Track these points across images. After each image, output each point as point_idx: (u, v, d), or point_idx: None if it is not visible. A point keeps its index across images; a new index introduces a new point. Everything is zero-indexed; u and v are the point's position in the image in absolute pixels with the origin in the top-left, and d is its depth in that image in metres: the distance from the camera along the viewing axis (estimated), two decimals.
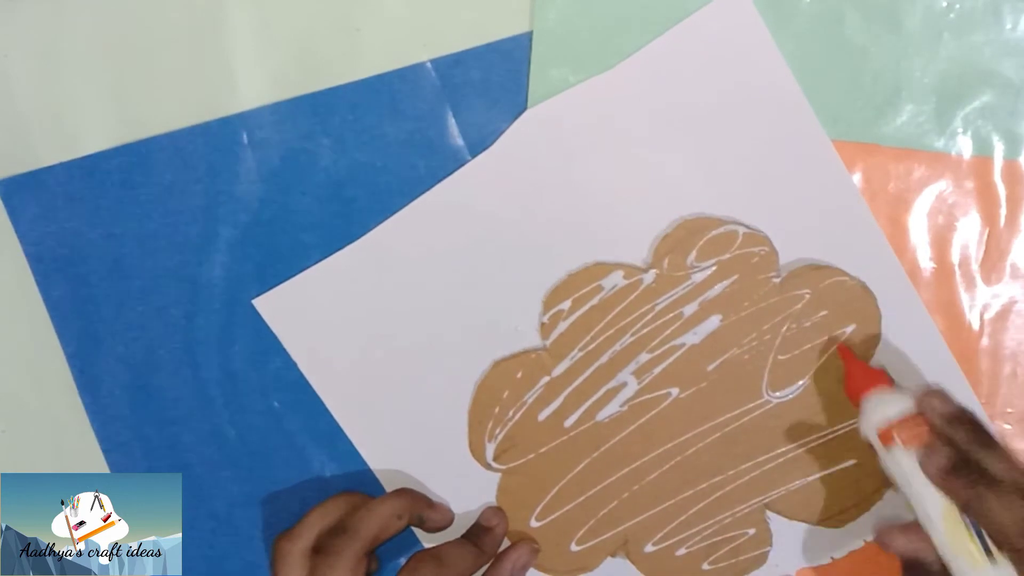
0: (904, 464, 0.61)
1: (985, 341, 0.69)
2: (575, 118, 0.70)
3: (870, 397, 0.64)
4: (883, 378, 0.66)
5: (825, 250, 0.70)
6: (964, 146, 0.68)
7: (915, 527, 0.61)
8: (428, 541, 0.72)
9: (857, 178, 0.69)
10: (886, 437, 0.62)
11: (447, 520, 0.72)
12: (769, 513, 0.71)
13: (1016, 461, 0.60)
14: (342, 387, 0.73)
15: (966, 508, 0.59)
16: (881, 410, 0.63)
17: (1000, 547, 0.58)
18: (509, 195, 0.71)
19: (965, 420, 0.62)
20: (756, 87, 0.69)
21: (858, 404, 0.65)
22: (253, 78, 0.72)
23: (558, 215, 0.71)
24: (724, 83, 0.69)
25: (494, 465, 0.73)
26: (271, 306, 0.73)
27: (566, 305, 0.71)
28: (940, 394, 0.63)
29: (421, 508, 0.70)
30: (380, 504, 0.68)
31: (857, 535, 0.71)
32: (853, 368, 0.67)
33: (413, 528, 0.71)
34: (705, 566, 0.72)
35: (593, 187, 0.71)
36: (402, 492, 0.70)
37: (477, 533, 0.71)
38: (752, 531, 0.71)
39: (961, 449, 0.61)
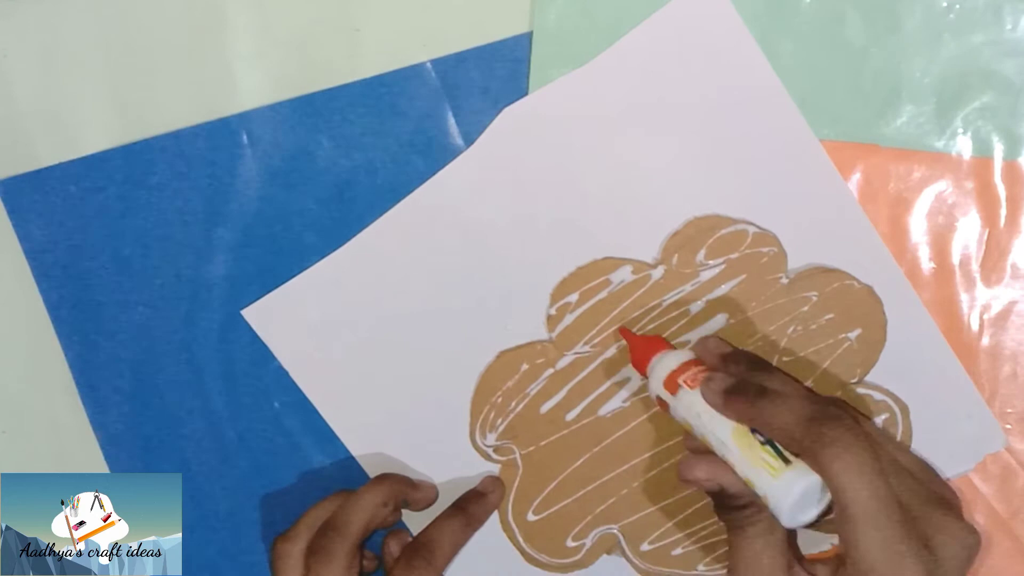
0: (691, 403, 0.63)
1: (985, 341, 0.69)
2: (558, 112, 0.70)
3: (654, 359, 0.66)
4: (663, 343, 0.68)
5: (820, 245, 0.70)
6: (964, 147, 0.68)
7: (714, 458, 0.62)
8: (415, 518, 0.73)
9: (857, 178, 0.69)
10: (671, 386, 0.64)
11: (432, 497, 0.72)
12: None
13: (791, 376, 0.64)
14: (337, 392, 0.74)
15: (751, 422, 0.61)
16: (664, 366, 0.65)
17: (790, 448, 0.59)
18: (497, 192, 0.71)
19: (741, 356, 0.66)
20: (737, 80, 0.69)
21: (645, 373, 0.67)
22: (253, 78, 0.72)
23: (558, 210, 0.71)
24: (704, 74, 0.69)
25: (494, 456, 0.73)
26: (260, 316, 0.74)
27: (573, 298, 0.71)
28: (714, 338, 0.67)
29: (405, 491, 0.70)
30: (363, 495, 0.69)
31: None
32: (634, 342, 0.68)
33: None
34: (700, 567, 0.72)
35: (595, 182, 0.70)
36: (383, 478, 0.70)
37: (470, 499, 0.71)
38: None
39: (740, 378, 0.63)
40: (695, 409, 0.62)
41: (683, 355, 0.65)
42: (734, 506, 0.61)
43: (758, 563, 0.61)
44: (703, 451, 0.63)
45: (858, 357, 0.70)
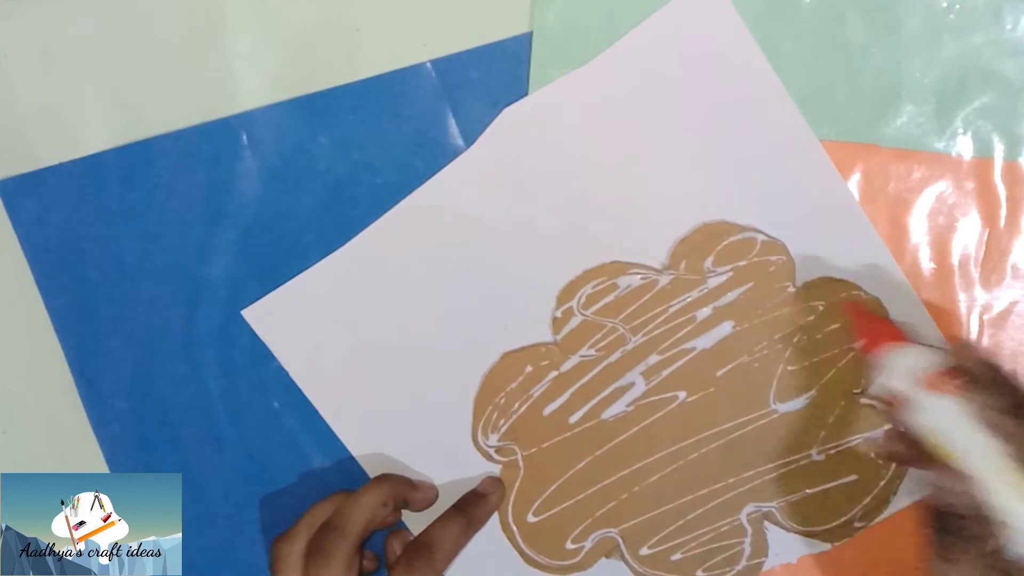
0: (947, 410, 0.59)
1: (985, 342, 0.69)
2: (558, 112, 0.70)
3: (904, 347, 0.63)
4: (902, 333, 0.65)
5: (823, 249, 0.69)
6: (964, 147, 0.68)
7: (953, 471, 0.59)
8: (415, 517, 0.73)
9: (857, 179, 0.69)
10: (933, 384, 0.60)
11: (432, 497, 0.72)
12: (767, 524, 0.71)
13: None
14: (337, 392, 0.74)
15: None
16: (916, 360, 0.61)
17: None
18: (497, 193, 0.71)
19: (1004, 371, 0.61)
20: (737, 80, 0.69)
21: (874, 356, 0.63)
22: (253, 78, 0.72)
23: (560, 211, 0.71)
24: (704, 74, 0.69)
25: (496, 457, 0.73)
26: (260, 316, 0.74)
27: (579, 301, 0.71)
28: (974, 345, 0.64)
29: (405, 491, 0.70)
30: (363, 495, 0.68)
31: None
32: (870, 323, 0.66)
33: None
34: (699, 573, 0.71)
35: (595, 183, 0.71)
36: (383, 478, 0.70)
37: (470, 501, 0.71)
38: (749, 541, 0.71)
39: (1014, 398, 0.60)
40: (949, 418, 0.59)
41: (934, 353, 0.62)
42: (954, 528, 0.59)
43: None
44: (905, 458, 0.62)
45: (862, 368, 0.69)
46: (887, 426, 0.65)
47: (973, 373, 0.61)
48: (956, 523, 0.59)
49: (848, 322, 0.69)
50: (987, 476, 0.58)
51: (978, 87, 0.68)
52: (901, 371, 0.61)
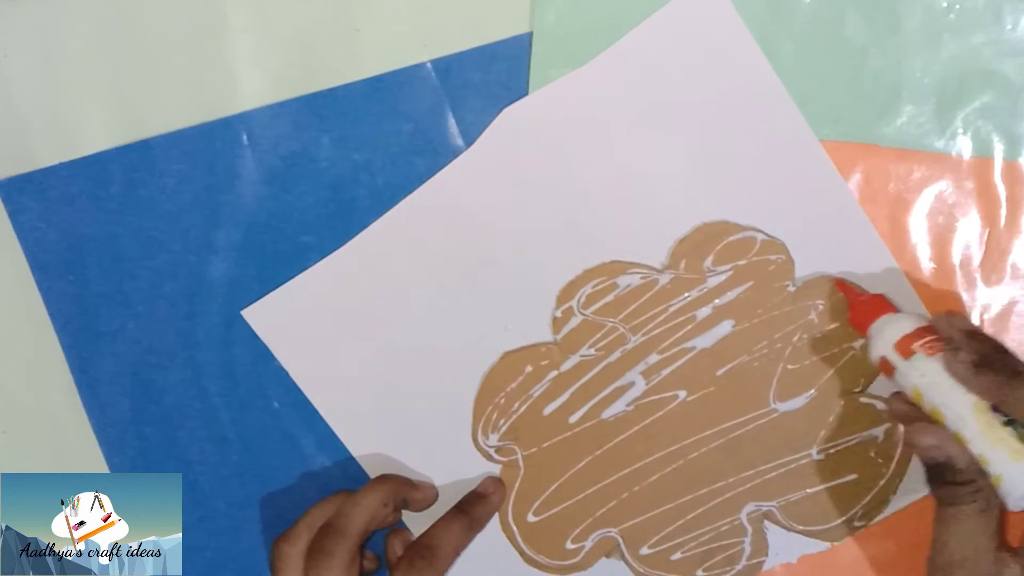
0: (928, 371, 0.61)
1: None
2: (558, 112, 0.70)
3: (882, 319, 0.64)
4: (889, 304, 0.66)
5: (823, 250, 0.69)
6: (964, 147, 0.68)
7: (942, 429, 0.60)
8: (415, 517, 0.73)
9: (857, 179, 0.69)
10: (905, 350, 0.62)
11: (432, 498, 0.72)
12: (767, 523, 0.71)
13: None
14: (337, 392, 0.74)
15: (1000, 400, 0.59)
16: (897, 328, 0.63)
17: None
18: (497, 193, 0.71)
19: (986, 336, 0.62)
20: (737, 80, 0.69)
21: (865, 331, 0.65)
22: (253, 78, 0.72)
23: (560, 211, 0.71)
24: (704, 74, 0.69)
25: (496, 457, 0.73)
26: (260, 316, 0.73)
27: (580, 301, 0.71)
28: (959, 314, 0.64)
29: (405, 491, 0.70)
30: (363, 496, 0.68)
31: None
32: (858, 298, 0.67)
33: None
34: (699, 573, 0.71)
35: (595, 183, 0.70)
36: (383, 479, 0.70)
37: (471, 501, 0.71)
38: (749, 540, 0.71)
39: (983, 353, 0.61)
40: (931, 378, 0.61)
41: (917, 320, 0.63)
42: (956, 481, 0.60)
43: (972, 542, 0.60)
44: (913, 418, 0.62)
45: (862, 366, 0.69)
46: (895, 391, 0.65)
47: (947, 334, 0.62)
48: (958, 479, 0.60)
49: (847, 321, 0.68)
50: (971, 433, 0.59)
51: (978, 87, 0.68)
52: (885, 340, 0.63)
